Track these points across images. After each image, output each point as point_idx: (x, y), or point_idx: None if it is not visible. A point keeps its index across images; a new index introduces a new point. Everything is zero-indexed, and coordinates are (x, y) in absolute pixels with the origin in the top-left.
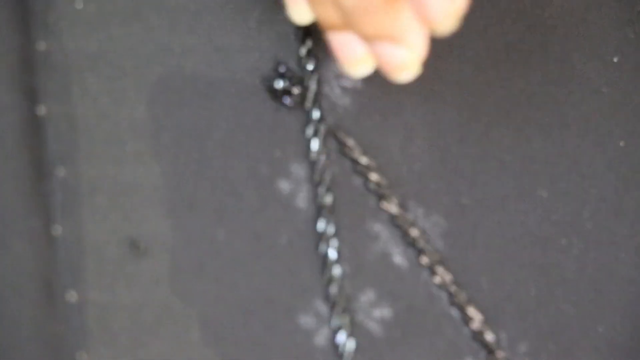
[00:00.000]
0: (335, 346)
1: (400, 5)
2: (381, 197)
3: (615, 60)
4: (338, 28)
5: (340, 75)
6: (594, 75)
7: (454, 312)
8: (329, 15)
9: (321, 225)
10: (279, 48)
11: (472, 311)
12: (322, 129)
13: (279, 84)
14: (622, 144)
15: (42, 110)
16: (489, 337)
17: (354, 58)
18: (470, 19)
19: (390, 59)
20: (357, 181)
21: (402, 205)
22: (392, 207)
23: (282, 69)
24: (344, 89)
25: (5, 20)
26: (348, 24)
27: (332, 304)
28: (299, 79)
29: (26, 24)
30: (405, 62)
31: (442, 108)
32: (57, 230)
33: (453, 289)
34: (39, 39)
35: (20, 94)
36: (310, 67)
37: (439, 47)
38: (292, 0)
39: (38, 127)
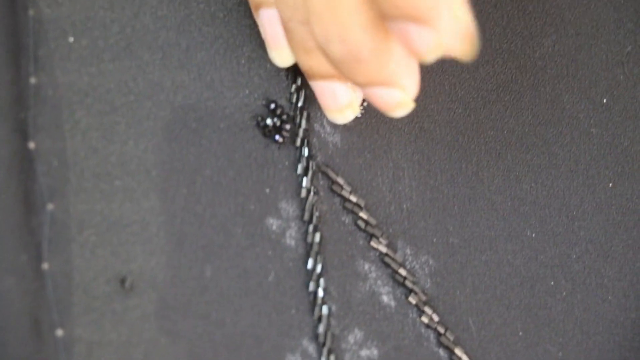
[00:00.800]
0: None
1: (389, 50)
2: (370, 235)
3: (604, 101)
4: (325, 77)
5: None
6: (583, 116)
7: (442, 352)
8: (316, 65)
9: (310, 263)
10: (270, 85)
11: (459, 352)
12: (312, 166)
13: (269, 121)
14: (611, 185)
15: (32, 144)
16: None
17: (339, 105)
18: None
19: (384, 101)
20: (347, 219)
21: (391, 245)
22: (381, 246)
23: (272, 106)
24: (334, 127)
25: None
26: (339, 73)
27: (320, 344)
28: (290, 116)
29: (17, 57)
30: (400, 102)
31: (432, 147)
32: (46, 265)
33: (441, 329)
34: (30, 73)
35: (11, 128)
36: (300, 104)
37: (429, 85)
38: (274, 44)
39: (28, 162)
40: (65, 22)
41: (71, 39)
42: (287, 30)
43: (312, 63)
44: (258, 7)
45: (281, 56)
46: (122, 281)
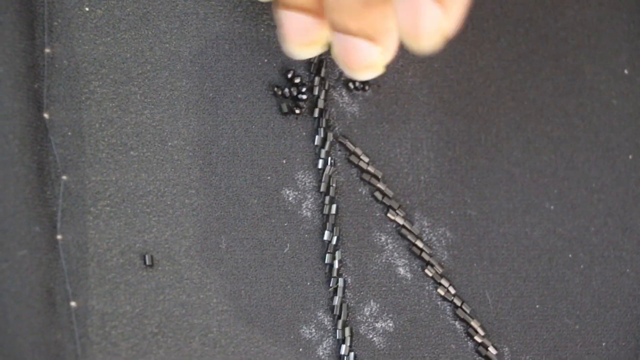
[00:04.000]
0: (337, 358)
1: (386, 8)
2: (387, 207)
3: (626, 72)
4: (296, 9)
5: (348, 82)
6: (604, 87)
7: (458, 325)
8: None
9: (326, 235)
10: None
11: (475, 324)
12: (330, 137)
13: (287, 91)
14: (630, 157)
15: (46, 115)
16: (492, 350)
17: (303, 41)
18: (482, 29)
19: (361, 56)
20: (364, 191)
21: (408, 217)
22: (398, 218)
23: (290, 75)
24: (353, 96)
25: (10, 24)
26: (325, 12)
27: (335, 316)
28: (308, 86)
29: (32, 28)
30: (374, 63)
31: (451, 118)
32: (60, 237)
33: (457, 302)
34: (45, 43)
35: (26, 99)
36: (319, 74)
37: (449, 55)
38: None
39: (43, 133)
40: None
41: (87, 9)
42: None
43: None
44: None
45: None
46: (137, 252)
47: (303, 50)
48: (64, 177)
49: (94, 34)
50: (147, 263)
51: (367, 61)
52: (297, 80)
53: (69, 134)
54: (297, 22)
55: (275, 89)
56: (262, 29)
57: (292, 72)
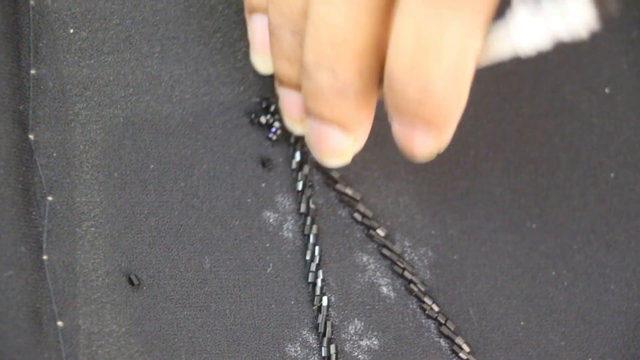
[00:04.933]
0: None
1: (371, 100)
2: (368, 227)
3: (607, 91)
4: (292, 87)
5: None
6: (585, 107)
7: (443, 342)
8: (287, 73)
9: (308, 255)
10: (264, 82)
11: (460, 341)
12: (307, 161)
13: (263, 118)
14: (612, 175)
15: (32, 136)
16: None
17: (297, 118)
18: None
19: (330, 142)
20: (343, 212)
21: (389, 237)
22: (379, 238)
23: (264, 104)
24: None
25: None
26: (305, 100)
27: (320, 334)
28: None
29: (17, 48)
30: (343, 151)
31: None
32: (46, 257)
33: (441, 319)
34: (31, 65)
35: (11, 121)
36: None
37: None
38: (262, 50)
39: (28, 154)
40: (66, 14)
41: (71, 31)
42: (274, 37)
43: (291, 73)
44: (252, 11)
45: (266, 63)
46: (122, 273)
47: (298, 126)
48: (50, 198)
49: (79, 56)
50: (133, 283)
51: (337, 149)
52: (272, 109)
53: (54, 155)
54: (289, 99)
55: (253, 116)
56: (240, 57)
57: (266, 100)
